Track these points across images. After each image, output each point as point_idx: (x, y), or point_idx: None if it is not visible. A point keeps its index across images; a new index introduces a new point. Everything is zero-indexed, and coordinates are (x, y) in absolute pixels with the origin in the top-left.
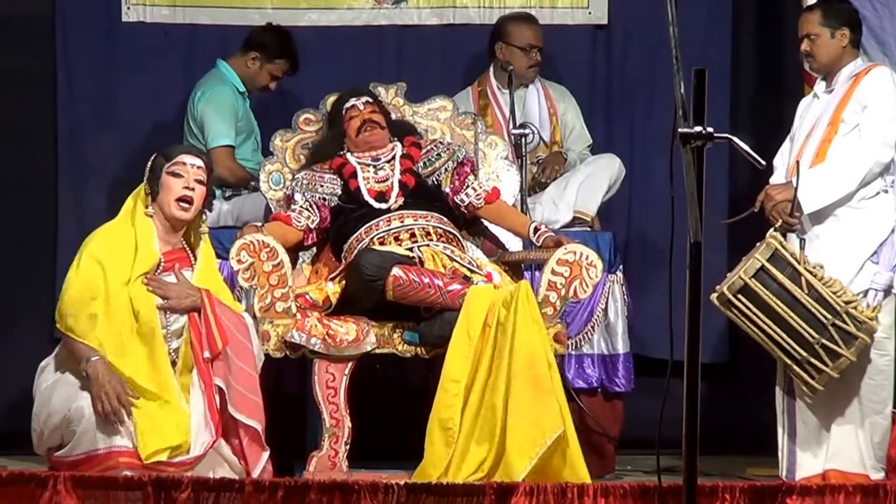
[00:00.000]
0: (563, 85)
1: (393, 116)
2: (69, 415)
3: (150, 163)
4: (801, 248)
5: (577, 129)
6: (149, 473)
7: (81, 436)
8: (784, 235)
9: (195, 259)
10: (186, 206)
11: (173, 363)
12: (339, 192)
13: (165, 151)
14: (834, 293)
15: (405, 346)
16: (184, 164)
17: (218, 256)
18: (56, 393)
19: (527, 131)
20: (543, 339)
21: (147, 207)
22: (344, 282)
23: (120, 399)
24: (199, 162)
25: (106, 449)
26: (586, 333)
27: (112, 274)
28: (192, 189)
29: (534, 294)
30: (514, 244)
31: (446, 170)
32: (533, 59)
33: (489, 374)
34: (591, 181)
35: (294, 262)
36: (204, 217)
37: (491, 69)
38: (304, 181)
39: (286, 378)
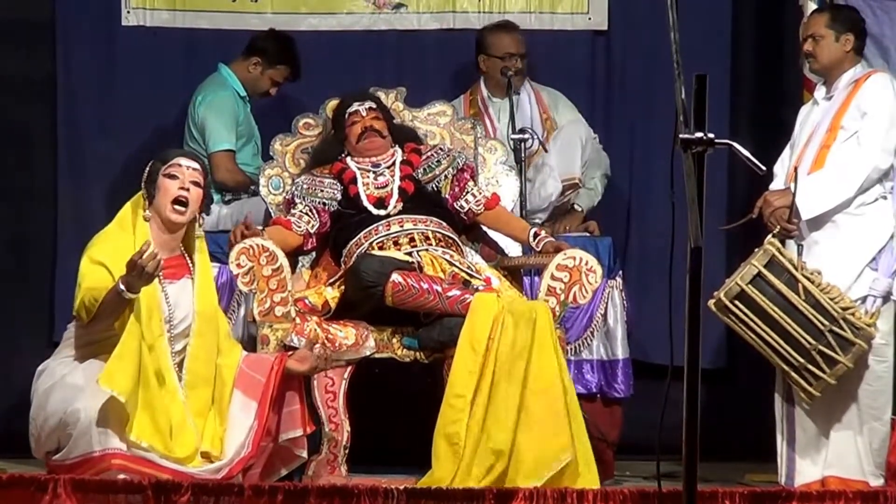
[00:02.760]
0: (563, 90)
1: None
2: (65, 417)
3: (147, 168)
4: (799, 254)
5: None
6: (148, 477)
7: (78, 439)
8: (782, 242)
9: (193, 266)
10: (181, 208)
11: (179, 365)
12: (339, 196)
13: (161, 156)
14: (831, 299)
15: (404, 350)
16: (179, 165)
17: (217, 260)
18: (53, 396)
19: (526, 136)
20: (563, 365)
21: (145, 211)
22: (343, 287)
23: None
24: (195, 164)
25: (101, 451)
26: (586, 339)
27: (117, 276)
28: (188, 190)
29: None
30: (513, 249)
31: (446, 176)
32: (512, 67)
33: (492, 387)
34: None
35: (293, 266)
36: (201, 221)
37: (481, 79)
38: (304, 186)
39: None
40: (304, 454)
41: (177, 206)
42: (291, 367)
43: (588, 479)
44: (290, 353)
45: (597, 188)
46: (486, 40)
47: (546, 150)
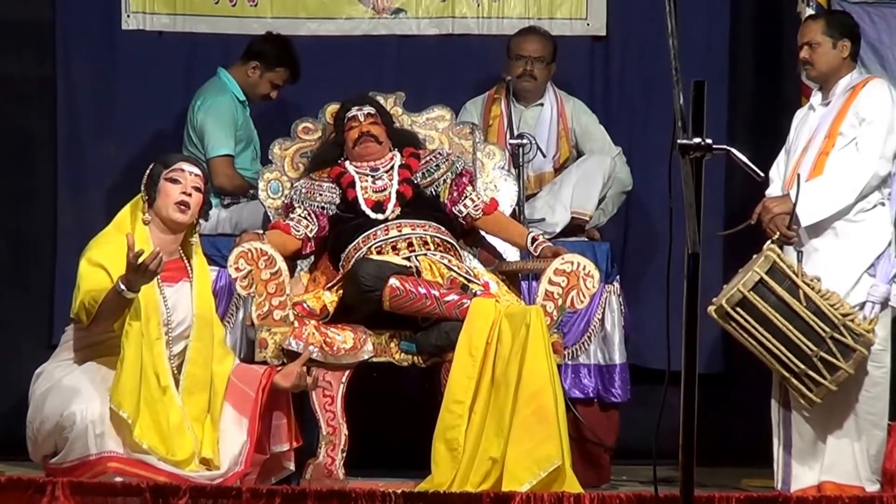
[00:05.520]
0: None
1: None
2: (61, 421)
3: (147, 171)
4: (799, 260)
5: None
6: (146, 480)
7: (74, 442)
8: (781, 248)
9: (192, 270)
10: (184, 208)
11: (177, 368)
12: (338, 200)
13: (163, 159)
14: (832, 306)
15: (402, 354)
16: (182, 171)
17: (216, 264)
18: (49, 399)
19: (524, 141)
20: (553, 369)
21: (144, 214)
22: (341, 291)
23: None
24: (197, 170)
25: (97, 454)
26: (583, 343)
27: (116, 278)
28: (190, 195)
29: (544, 318)
30: (511, 254)
31: (445, 181)
32: (521, 69)
33: (491, 393)
34: (585, 180)
35: (292, 270)
36: (199, 226)
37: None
38: (303, 190)
39: None
40: (292, 466)
41: (180, 206)
42: (277, 383)
43: (574, 484)
44: (278, 367)
45: (608, 207)
46: (509, 43)
47: (544, 156)
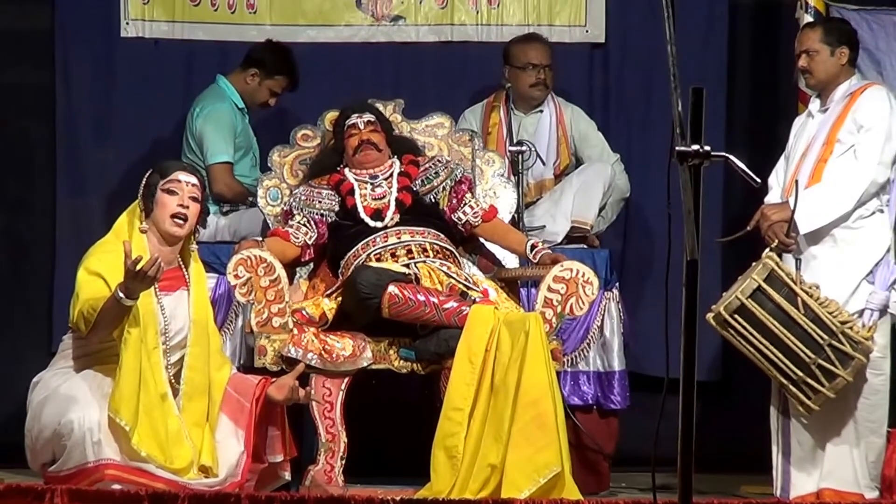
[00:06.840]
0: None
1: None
2: (59, 429)
3: (144, 179)
4: (798, 268)
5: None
6: (145, 487)
7: (72, 450)
8: (779, 255)
9: (189, 277)
10: (181, 221)
11: (175, 376)
12: (337, 208)
13: (160, 168)
14: (830, 313)
15: (401, 362)
16: (179, 181)
17: (215, 271)
18: (47, 407)
19: (524, 148)
20: (553, 376)
21: (141, 223)
22: (340, 298)
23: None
24: (194, 179)
25: (95, 462)
26: (582, 350)
27: (114, 286)
28: (187, 206)
29: (543, 324)
30: (510, 261)
31: (444, 188)
32: (533, 78)
33: (490, 400)
34: (586, 189)
35: (291, 277)
36: (197, 234)
37: (506, 91)
38: (302, 197)
39: None
40: (288, 476)
41: (176, 220)
42: (270, 395)
43: (573, 491)
44: (273, 379)
45: (607, 214)
46: (509, 52)
47: (544, 163)
